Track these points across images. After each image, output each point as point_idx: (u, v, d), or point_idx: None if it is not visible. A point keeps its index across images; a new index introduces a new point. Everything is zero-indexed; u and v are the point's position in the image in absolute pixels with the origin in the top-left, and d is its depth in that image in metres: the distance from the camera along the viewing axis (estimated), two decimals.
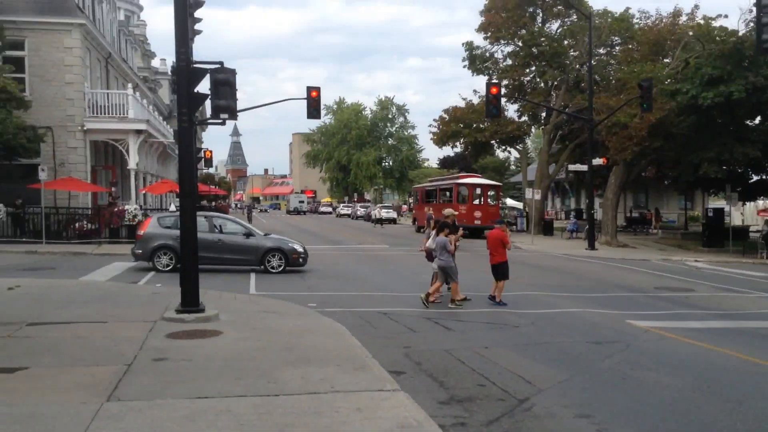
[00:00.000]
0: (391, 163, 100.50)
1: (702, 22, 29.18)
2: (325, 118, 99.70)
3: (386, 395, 6.56)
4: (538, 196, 35.63)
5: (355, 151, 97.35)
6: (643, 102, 25.42)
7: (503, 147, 46.96)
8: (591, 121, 29.57)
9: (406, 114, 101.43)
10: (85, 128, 29.32)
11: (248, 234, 19.22)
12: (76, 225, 26.57)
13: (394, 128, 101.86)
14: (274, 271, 18.73)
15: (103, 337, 8.89)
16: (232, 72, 10.31)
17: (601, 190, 39.23)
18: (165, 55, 69.55)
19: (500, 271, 14.36)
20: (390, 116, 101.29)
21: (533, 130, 50.05)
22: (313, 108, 28.49)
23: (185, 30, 10.15)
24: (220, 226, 19.41)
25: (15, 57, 27.97)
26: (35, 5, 29.01)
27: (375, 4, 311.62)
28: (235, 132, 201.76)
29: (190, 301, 10.39)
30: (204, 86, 10.64)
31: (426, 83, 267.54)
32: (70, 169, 28.72)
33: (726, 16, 29.13)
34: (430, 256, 14.95)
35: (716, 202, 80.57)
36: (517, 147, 46.68)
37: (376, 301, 14.27)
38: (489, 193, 40.72)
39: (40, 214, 26.03)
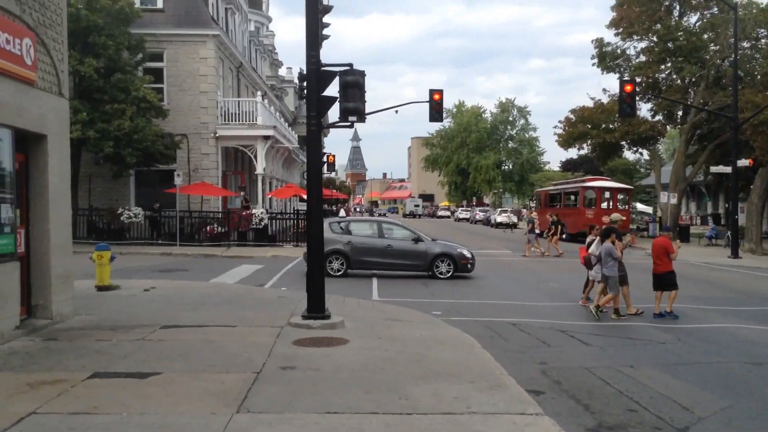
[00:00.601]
0: (510, 167, 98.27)
1: None
2: (445, 122, 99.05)
3: (529, 420, 5.98)
4: (674, 200, 33.40)
5: (474, 154, 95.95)
6: None
7: (634, 148, 44.49)
8: (735, 119, 27.24)
9: (528, 116, 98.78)
10: (217, 135, 30.52)
11: (417, 239, 19.05)
12: (207, 228, 27.65)
13: (514, 131, 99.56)
14: (442, 277, 18.53)
15: (232, 341, 8.88)
16: (361, 74, 10.06)
17: (744, 193, 36.23)
18: (291, 64, 72.04)
19: (663, 280, 13.31)
20: (510, 119, 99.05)
21: (668, 130, 47.05)
22: (436, 111, 28.10)
23: (315, 34, 10.04)
24: (389, 231, 19.43)
25: (154, 68, 29.60)
26: (173, 18, 30.57)
27: (497, 5, 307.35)
28: (355, 137, 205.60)
29: (316, 308, 10.24)
30: (332, 90, 10.51)
31: (548, 84, 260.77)
32: (202, 175, 30.00)
33: None
34: (589, 263, 14.10)
35: None
36: (650, 148, 44.07)
37: (504, 311, 13.61)
38: (619, 197, 38.64)
39: (175, 217, 27.32)
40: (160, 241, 27.29)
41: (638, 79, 38.81)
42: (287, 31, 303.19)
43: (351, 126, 10.23)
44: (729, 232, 35.12)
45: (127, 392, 6.47)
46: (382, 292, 16.12)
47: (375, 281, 17.96)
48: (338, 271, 18.59)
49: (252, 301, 12.84)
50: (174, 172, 27.58)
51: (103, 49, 25.74)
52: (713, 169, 30.26)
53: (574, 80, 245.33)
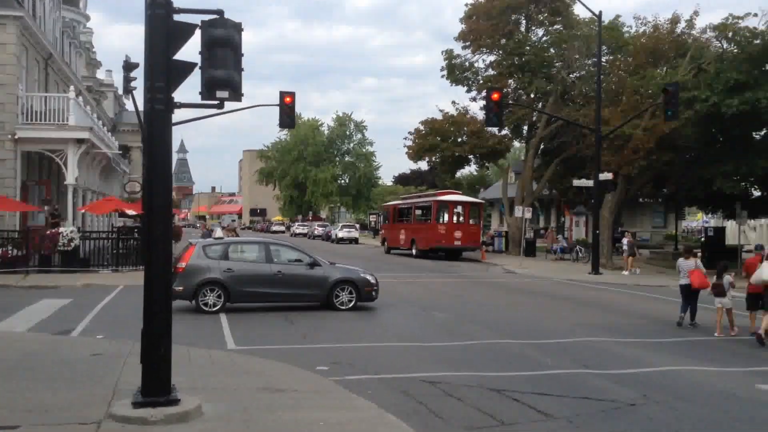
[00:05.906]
0: (347, 181, 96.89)
1: (726, 21, 26.38)
2: (280, 134, 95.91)
3: None
4: (528, 215, 32.70)
5: (311, 167, 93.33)
6: (667, 108, 22.44)
7: (482, 162, 43.94)
8: (599, 132, 26.51)
9: (364, 131, 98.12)
10: (17, 137, 24.82)
11: (313, 263, 15.67)
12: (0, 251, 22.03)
13: (351, 145, 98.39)
14: (343, 308, 15.34)
15: None
16: (236, 27, 6.47)
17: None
18: (111, 67, 65.16)
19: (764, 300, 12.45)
20: (348, 133, 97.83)
21: (515, 144, 47.24)
22: (287, 115, 24.99)
23: None
24: (277, 254, 15.86)
25: None
26: None
27: (333, 24, 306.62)
28: (182, 148, 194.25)
29: (158, 387, 6.48)
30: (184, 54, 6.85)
31: (380, 102, 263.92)
32: None
33: (755, 15, 25.87)
34: (722, 289, 13.15)
35: (692, 220, 79.43)
36: (497, 162, 43.73)
37: (405, 358, 10.58)
38: (470, 211, 37.46)
39: None
40: None
41: (485, 93, 38.13)
42: (109, 40, 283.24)
43: (220, 106, 6.61)
44: (578, 247, 35.31)
45: None
46: (237, 334, 12.43)
47: (224, 317, 14.21)
48: (214, 306, 14.76)
49: (52, 365, 8.70)
50: None
51: None
52: (576, 182, 29.61)
53: (405, 100, 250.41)
